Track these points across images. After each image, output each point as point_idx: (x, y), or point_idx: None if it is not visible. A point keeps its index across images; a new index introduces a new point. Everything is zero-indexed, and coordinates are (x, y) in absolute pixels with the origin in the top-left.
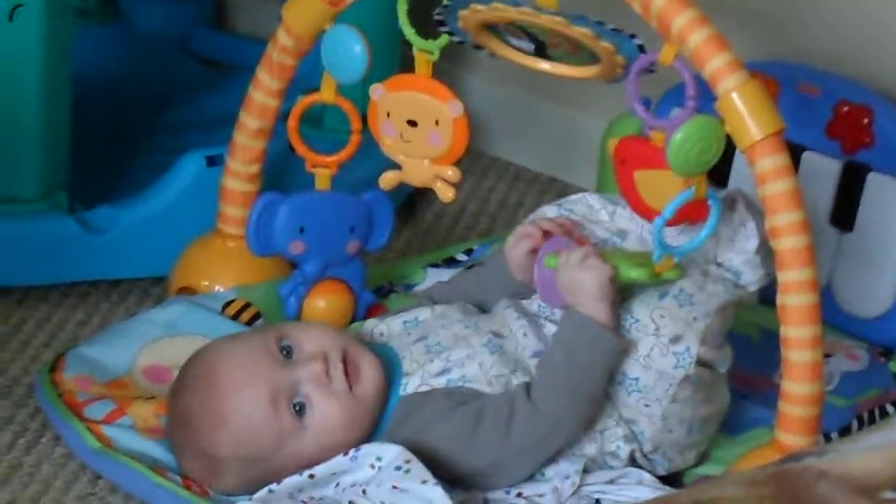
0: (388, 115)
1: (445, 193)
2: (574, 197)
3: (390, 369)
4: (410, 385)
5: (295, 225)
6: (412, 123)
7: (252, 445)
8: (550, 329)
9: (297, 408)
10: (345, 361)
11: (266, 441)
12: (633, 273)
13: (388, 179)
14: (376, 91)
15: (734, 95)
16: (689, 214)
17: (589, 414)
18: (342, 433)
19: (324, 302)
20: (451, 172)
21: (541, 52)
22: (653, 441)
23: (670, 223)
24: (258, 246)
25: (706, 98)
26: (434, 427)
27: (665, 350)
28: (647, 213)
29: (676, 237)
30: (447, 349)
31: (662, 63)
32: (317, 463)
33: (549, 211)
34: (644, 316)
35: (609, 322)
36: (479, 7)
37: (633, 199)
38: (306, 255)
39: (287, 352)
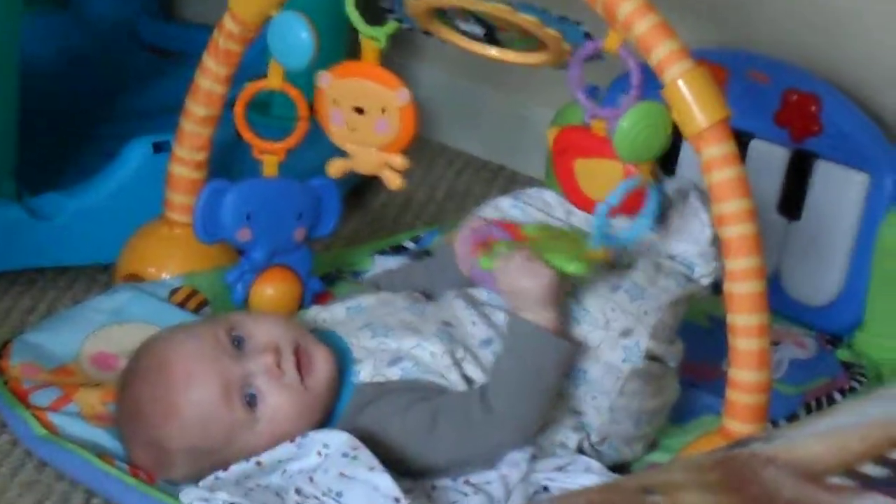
0: (335, 102)
1: (393, 181)
2: (531, 191)
3: (340, 357)
4: (364, 373)
5: (242, 212)
6: (359, 111)
7: (203, 437)
8: (500, 317)
9: (249, 399)
10: (297, 353)
11: (217, 433)
12: (569, 268)
13: (336, 167)
14: (323, 78)
15: (680, 83)
16: (634, 205)
17: (545, 414)
18: (294, 424)
19: (271, 289)
20: (399, 160)
21: (490, 36)
22: (600, 432)
23: (614, 212)
24: (205, 233)
25: (653, 86)
26: (391, 421)
27: (614, 343)
28: (585, 203)
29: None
30: (395, 335)
31: (608, 51)
32: None
33: (505, 202)
34: (595, 309)
35: (557, 326)
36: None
37: (572, 189)
38: (253, 243)
39: (238, 342)
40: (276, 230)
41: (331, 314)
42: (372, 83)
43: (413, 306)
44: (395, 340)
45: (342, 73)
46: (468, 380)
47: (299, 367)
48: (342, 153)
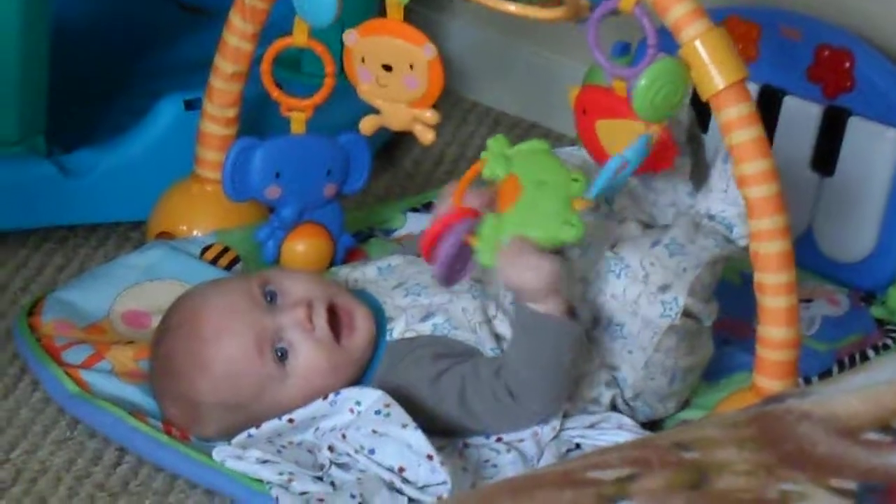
0: (363, 60)
1: (425, 136)
2: (569, 149)
3: (375, 315)
4: (396, 330)
5: (271, 169)
6: (387, 68)
7: (234, 391)
8: None
9: (280, 353)
10: (336, 311)
11: (248, 387)
12: (563, 236)
13: (368, 124)
14: (350, 36)
15: (697, 44)
16: (655, 163)
17: (568, 391)
18: (324, 380)
19: (302, 245)
20: (430, 115)
21: None
22: (634, 388)
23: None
24: (234, 191)
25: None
26: (421, 388)
27: (653, 298)
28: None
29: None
30: (427, 292)
31: (623, 10)
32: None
33: None
34: (635, 262)
35: (564, 311)
36: None
37: (596, 149)
38: (283, 200)
39: (271, 297)
40: (306, 187)
41: (362, 274)
42: (398, 40)
43: None
44: (427, 297)
45: (368, 30)
46: (498, 337)
47: (335, 324)
48: (372, 109)
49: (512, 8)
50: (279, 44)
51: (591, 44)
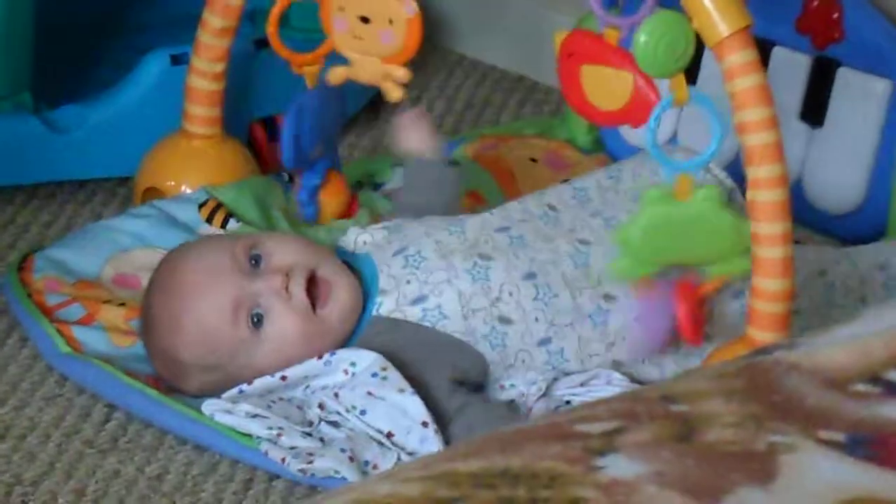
0: (341, 9)
1: (394, 92)
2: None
3: (367, 283)
4: (384, 307)
5: (318, 130)
6: (364, 20)
7: (208, 351)
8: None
9: (255, 319)
10: (315, 281)
11: (222, 348)
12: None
13: (336, 74)
14: None
15: None
16: (632, 115)
17: None
18: (300, 349)
19: (329, 197)
20: (402, 72)
21: None
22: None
23: (610, 122)
24: (296, 159)
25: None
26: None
27: None
28: (588, 110)
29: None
30: (426, 265)
31: None
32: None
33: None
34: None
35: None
36: None
37: (575, 94)
38: (321, 158)
39: (256, 261)
40: (329, 138)
41: (371, 237)
42: None
43: (451, 225)
44: (424, 272)
45: None
46: (505, 320)
47: (312, 293)
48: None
49: None
50: (284, 1)
51: None
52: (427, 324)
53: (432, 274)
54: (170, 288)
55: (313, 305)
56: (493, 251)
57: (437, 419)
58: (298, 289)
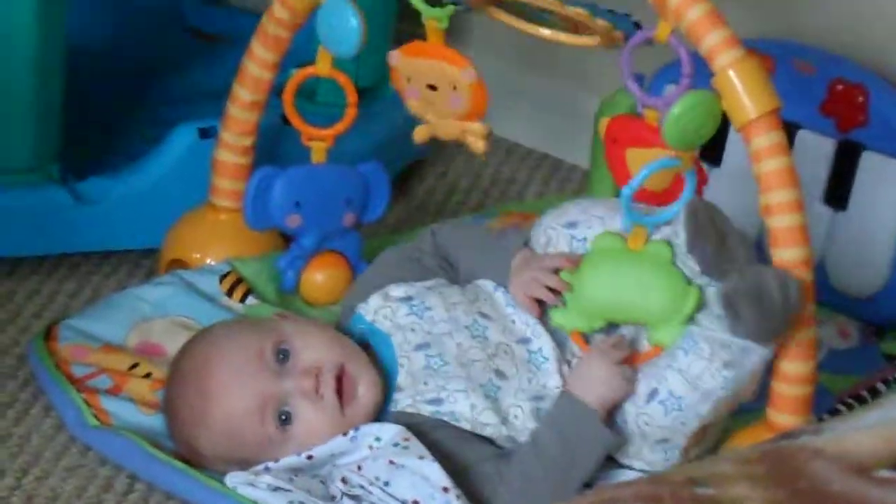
0: (409, 79)
1: (477, 145)
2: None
3: (385, 364)
4: (401, 403)
5: (292, 199)
6: (432, 87)
7: (233, 448)
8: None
9: (284, 417)
10: (342, 377)
11: (247, 445)
12: (663, 337)
13: (421, 133)
14: (393, 57)
15: (731, 72)
16: (673, 191)
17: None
18: (325, 441)
19: (321, 275)
20: (479, 126)
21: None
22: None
23: (650, 199)
24: (255, 220)
25: (699, 76)
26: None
27: (655, 447)
28: (638, 193)
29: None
30: (445, 372)
31: (658, 40)
32: None
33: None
34: (630, 419)
35: (606, 420)
36: None
37: (624, 178)
38: (303, 229)
39: (283, 356)
40: (326, 216)
41: (392, 311)
42: (438, 62)
43: (475, 324)
44: (442, 378)
45: (411, 52)
46: (512, 440)
47: (340, 391)
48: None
49: (545, 33)
50: (302, 73)
51: (625, 73)
52: (442, 419)
53: (450, 381)
54: (196, 385)
55: (342, 402)
56: (508, 368)
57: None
58: (329, 391)
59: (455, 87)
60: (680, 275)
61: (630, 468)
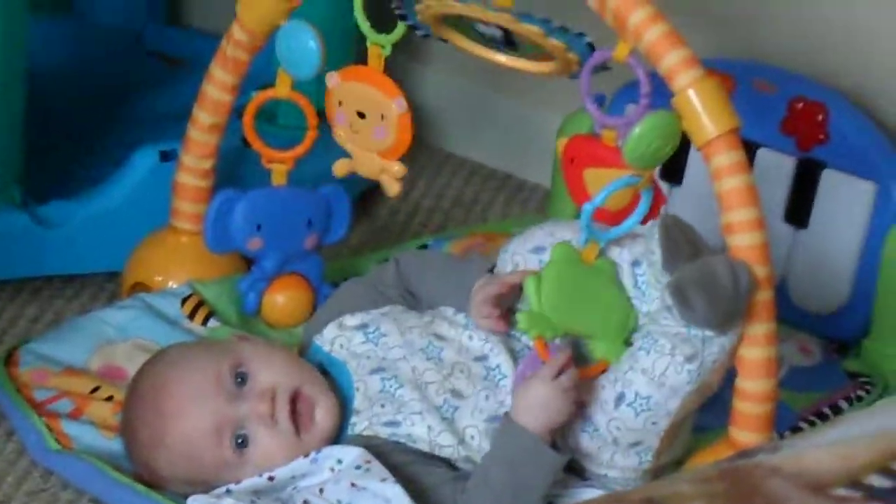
0: (341, 103)
1: (392, 188)
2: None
3: (342, 391)
4: (358, 426)
5: (252, 222)
6: (361, 115)
7: (190, 469)
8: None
9: (240, 440)
10: (297, 401)
11: (204, 468)
12: (604, 353)
13: (340, 167)
14: (331, 78)
15: (690, 92)
16: (629, 211)
17: None
18: (282, 464)
19: (283, 297)
20: (397, 167)
21: (509, 40)
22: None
23: (608, 218)
24: (216, 243)
25: (658, 95)
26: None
27: (627, 452)
28: (596, 213)
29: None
30: (401, 396)
31: (617, 60)
32: None
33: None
34: (602, 425)
35: (551, 441)
36: (430, 2)
37: (582, 198)
38: (264, 251)
39: (241, 378)
40: (287, 238)
41: (348, 340)
42: (372, 89)
43: (429, 347)
44: (398, 401)
45: (347, 75)
46: (471, 461)
47: (296, 416)
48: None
49: (503, 60)
50: (262, 96)
51: (584, 94)
52: (398, 441)
53: (406, 404)
54: (154, 405)
55: (297, 427)
56: (465, 387)
57: None
58: (283, 415)
59: (383, 117)
60: (626, 297)
61: (604, 478)
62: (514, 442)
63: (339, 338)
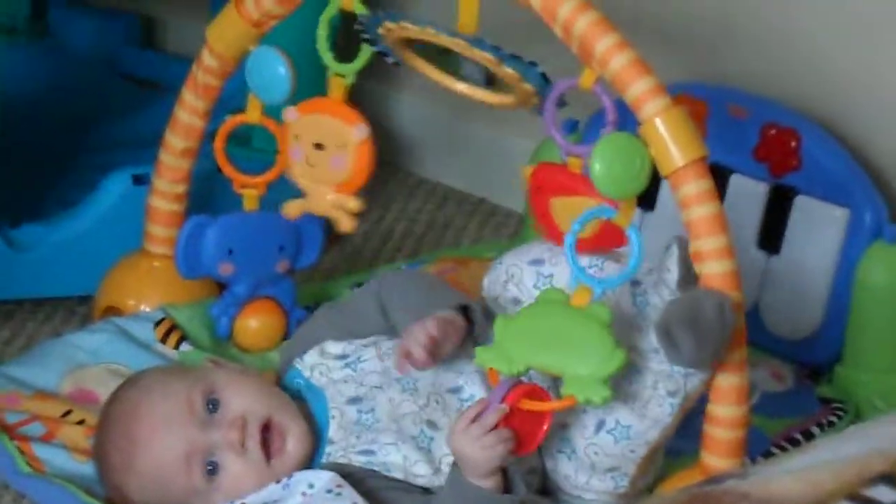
0: (297, 137)
1: (345, 224)
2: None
3: (318, 417)
4: (333, 455)
5: (224, 247)
6: (319, 147)
7: (160, 496)
8: None
9: (210, 468)
10: (269, 429)
11: (175, 494)
12: (577, 391)
13: (292, 207)
14: (290, 114)
15: (657, 121)
16: (604, 241)
17: None
18: (252, 491)
19: (255, 321)
20: (353, 203)
21: (489, 80)
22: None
23: (582, 248)
24: (187, 268)
25: (631, 122)
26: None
27: (603, 477)
28: (562, 240)
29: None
30: (377, 427)
31: (583, 88)
32: None
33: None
34: (580, 448)
35: (500, 486)
36: (390, 25)
37: (549, 226)
38: (236, 276)
39: (213, 405)
40: (259, 263)
41: (328, 368)
42: (332, 119)
43: (405, 378)
44: (373, 432)
45: (307, 108)
46: (430, 423)
47: (268, 444)
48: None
49: (462, 88)
50: (233, 121)
51: (548, 122)
52: (374, 468)
53: (381, 434)
54: (125, 430)
55: (268, 455)
56: (440, 418)
57: None
58: (253, 443)
59: (344, 146)
60: (611, 339)
61: (578, 499)
62: (457, 491)
63: (319, 365)
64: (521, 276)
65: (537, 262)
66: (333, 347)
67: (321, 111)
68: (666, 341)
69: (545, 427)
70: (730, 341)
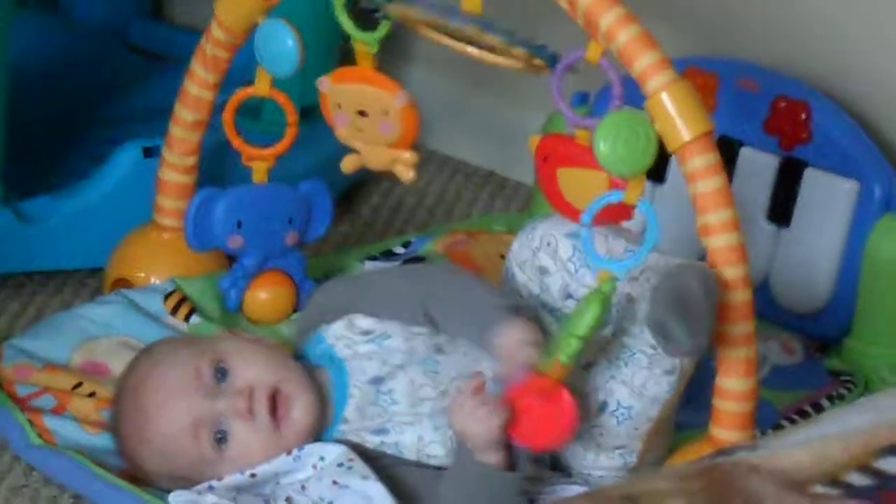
0: (339, 106)
1: (406, 175)
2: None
3: (333, 406)
4: (346, 434)
5: (233, 219)
6: (362, 113)
7: (171, 465)
8: None
9: (219, 436)
10: (277, 398)
11: (185, 463)
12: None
13: (349, 162)
14: (323, 83)
15: (663, 95)
16: (611, 215)
17: None
18: (262, 460)
19: (265, 293)
20: (409, 155)
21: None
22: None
23: (594, 223)
24: (197, 241)
25: (640, 95)
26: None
27: (611, 454)
28: (569, 211)
29: (621, 255)
30: (396, 408)
31: (589, 61)
32: None
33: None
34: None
35: (505, 461)
36: (397, 9)
37: (555, 197)
38: (245, 249)
39: (221, 374)
40: (268, 236)
41: (353, 342)
42: (370, 87)
43: (428, 361)
44: (390, 414)
45: (341, 77)
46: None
47: (275, 410)
48: (338, 154)
49: (473, 52)
50: (241, 93)
51: (555, 94)
52: (388, 451)
53: (398, 416)
54: (135, 402)
55: (277, 422)
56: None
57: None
58: (262, 410)
59: (387, 113)
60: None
61: (588, 475)
62: (462, 467)
63: (344, 338)
64: (556, 246)
65: (575, 235)
66: (362, 322)
67: (356, 80)
68: (662, 337)
69: (565, 422)
70: (716, 312)
